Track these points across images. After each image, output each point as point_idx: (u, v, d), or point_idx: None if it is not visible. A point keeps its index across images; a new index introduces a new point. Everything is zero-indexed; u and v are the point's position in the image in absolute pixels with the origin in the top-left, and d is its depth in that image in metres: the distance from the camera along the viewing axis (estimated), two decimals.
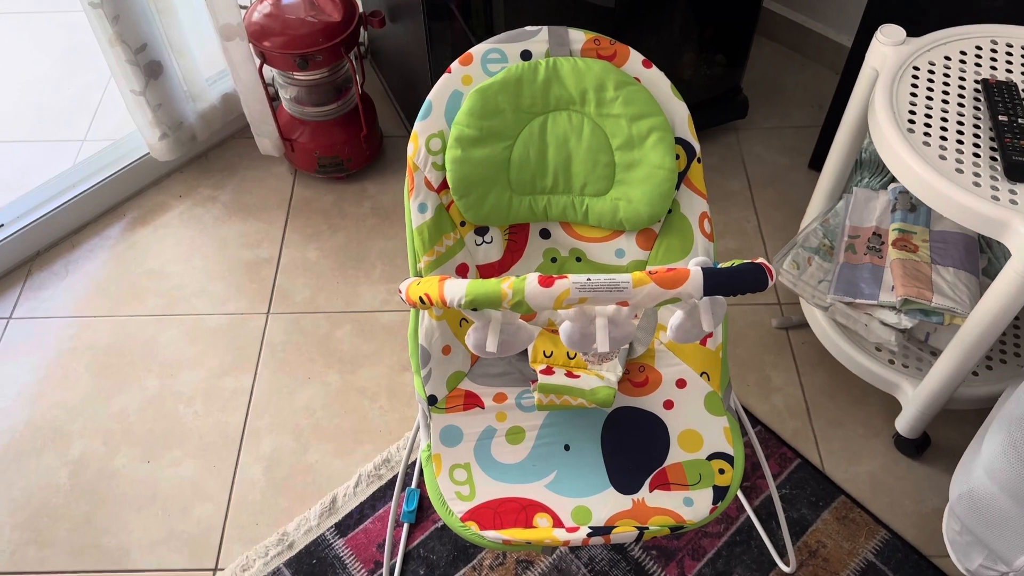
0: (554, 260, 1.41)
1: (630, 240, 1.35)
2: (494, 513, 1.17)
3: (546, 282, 0.95)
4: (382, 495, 1.55)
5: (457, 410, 1.27)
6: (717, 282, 0.97)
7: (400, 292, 1.10)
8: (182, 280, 1.92)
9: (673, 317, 1.03)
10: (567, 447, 1.25)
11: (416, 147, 1.27)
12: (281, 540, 1.50)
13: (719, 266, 1.25)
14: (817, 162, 2.10)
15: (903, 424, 1.54)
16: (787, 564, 1.46)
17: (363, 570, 1.47)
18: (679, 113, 1.28)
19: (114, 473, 1.61)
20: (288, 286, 1.90)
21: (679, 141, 1.28)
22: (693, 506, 1.18)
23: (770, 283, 1.01)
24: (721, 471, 1.21)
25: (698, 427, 1.26)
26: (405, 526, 1.52)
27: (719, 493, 1.19)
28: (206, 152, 2.19)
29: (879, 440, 1.62)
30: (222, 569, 1.48)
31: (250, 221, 2.03)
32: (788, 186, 2.09)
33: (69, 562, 1.49)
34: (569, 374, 1.30)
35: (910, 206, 1.56)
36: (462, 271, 1.33)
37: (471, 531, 1.15)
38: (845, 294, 1.50)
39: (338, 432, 1.66)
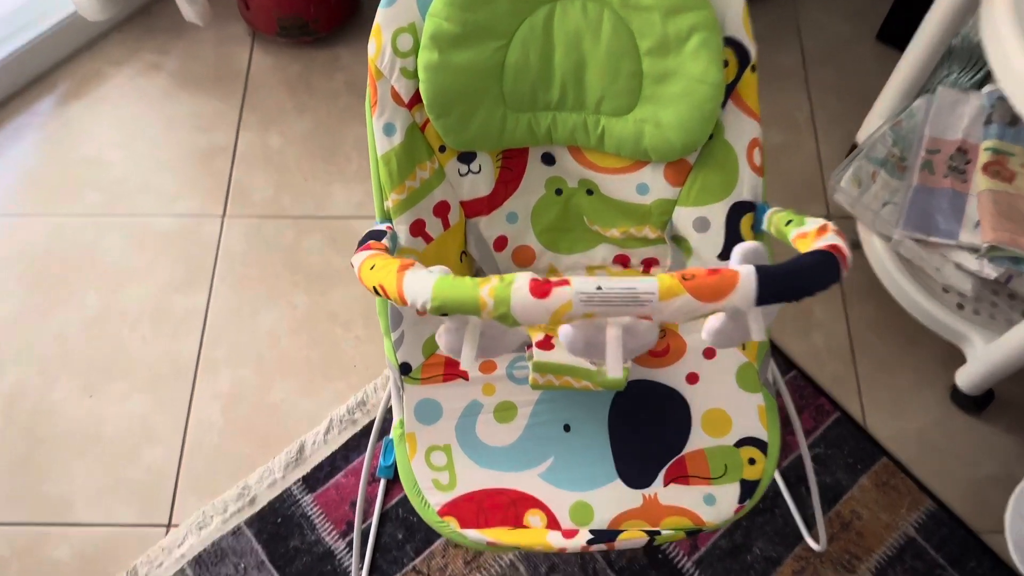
0: (559, 192, 1.12)
1: (656, 173, 1.05)
2: (478, 508, 0.98)
3: (540, 290, 0.69)
4: (356, 444, 1.36)
5: (436, 381, 1.05)
6: (775, 289, 0.72)
7: (353, 267, 0.83)
8: (124, 171, 1.63)
9: (712, 318, 0.77)
10: (567, 427, 1.03)
11: (379, 46, 0.96)
12: (242, 494, 1.33)
13: (766, 211, 0.98)
14: (889, 34, 1.72)
15: (965, 379, 1.31)
16: (816, 540, 1.28)
17: (334, 531, 1.30)
18: (733, 4, 0.95)
19: (52, 408, 1.41)
20: (247, 182, 1.62)
21: (728, 42, 0.97)
22: (715, 505, 0.98)
23: (844, 274, 0.75)
24: (751, 461, 1.00)
25: (727, 406, 1.04)
26: (382, 482, 1.33)
27: (747, 489, 0.99)
28: (147, 6, 1.82)
29: (932, 391, 1.39)
30: (176, 525, 1.32)
31: (201, 96, 1.71)
32: (850, 64, 1.72)
33: (5, 512, 1.33)
34: None
35: (1010, 118, 1.23)
36: (441, 210, 1.05)
37: (449, 528, 0.96)
38: (917, 229, 1.22)
39: (306, 366, 1.44)
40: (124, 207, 1.59)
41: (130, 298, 1.50)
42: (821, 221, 0.88)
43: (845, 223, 1.56)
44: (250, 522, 1.31)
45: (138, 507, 1.33)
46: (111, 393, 1.42)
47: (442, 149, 1.03)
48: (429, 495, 0.98)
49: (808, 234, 0.85)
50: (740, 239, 1.03)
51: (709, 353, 1.08)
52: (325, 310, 1.49)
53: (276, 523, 1.31)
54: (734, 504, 0.98)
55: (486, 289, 0.70)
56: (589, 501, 0.98)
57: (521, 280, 0.70)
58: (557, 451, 1.01)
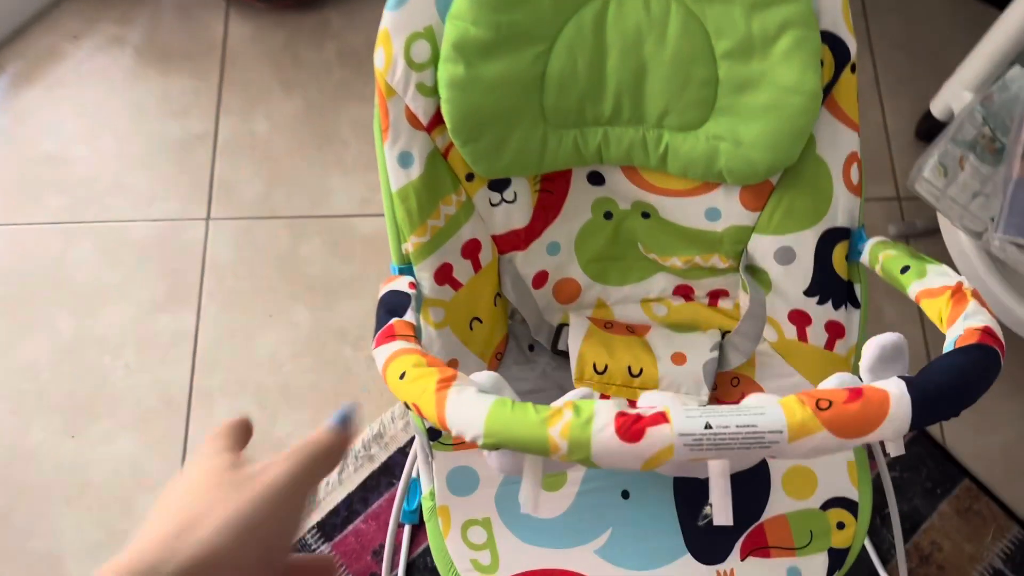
0: (608, 215, 0.94)
1: (730, 196, 0.87)
2: None
3: (630, 431, 0.53)
4: (375, 485, 1.21)
5: (471, 446, 0.89)
6: (934, 413, 0.56)
7: (377, 363, 0.67)
8: (90, 169, 1.43)
9: (825, 384, 0.61)
10: (625, 494, 0.89)
11: (388, 57, 0.77)
12: None
13: (865, 241, 0.80)
14: None
15: None
16: None
17: None
18: None
19: (32, 452, 1.25)
20: (231, 177, 1.42)
21: (824, 37, 0.77)
22: None
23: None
24: (840, 525, 0.87)
25: (811, 463, 0.89)
26: (407, 528, 1.19)
27: (836, 558, 0.86)
28: None
29: (1019, 399, 1.24)
30: None
31: (173, 75, 1.49)
32: (923, 13, 1.50)
33: None
34: (632, 406, 0.89)
35: None
36: (471, 250, 0.87)
37: None
38: (1021, 233, 1.05)
39: (314, 393, 1.28)
40: (93, 212, 1.39)
41: (108, 320, 1.33)
42: (947, 273, 0.71)
43: (915, 206, 1.38)
44: None
45: None
46: (96, 433, 1.26)
47: (469, 177, 0.85)
48: None
49: (936, 295, 0.69)
50: (831, 272, 0.86)
51: None
52: (331, 327, 1.31)
53: None
54: None
55: (558, 428, 0.53)
56: None
57: (603, 417, 0.53)
58: (615, 522, 0.86)
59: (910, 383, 0.55)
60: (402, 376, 0.60)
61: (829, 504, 0.87)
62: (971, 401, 0.58)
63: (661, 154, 0.84)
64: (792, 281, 0.87)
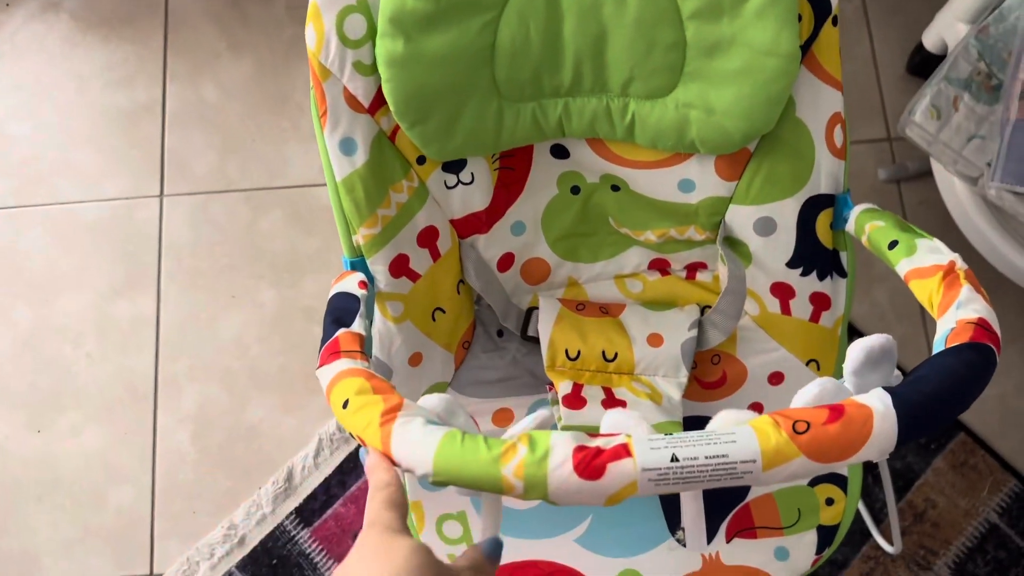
0: (575, 190, 0.88)
1: (705, 166, 0.81)
2: None
3: (589, 467, 0.49)
4: (352, 467, 1.17)
5: None
6: (922, 427, 0.51)
7: (321, 385, 0.62)
8: (34, 148, 1.35)
9: (805, 393, 0.54)
10: None
11: (319, 35, 0.70)
12: (228, 535, 1.16)
13: (851, 208, 0.75)
14: None
15: None
16: (890, 542, 1.12)
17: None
18: None
19: None
20: (183, 149, 1.34)
21: None
22: (788, 559, 0.82)
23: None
24: (829, 501, 0.84)
25: None
26: None
27: (825, 536, 0.83)
28: None
29: (1016, 350, 1.20)
30: (159, 575, 1.16)
31: (113, 42, 1.39)
32: None
33: None
34: (608, 394, 0.85)
35: None
36: (428, 238, 0.81)
37: None
38: (1019, 181, 0.98)
39: (284, 377, 1.23)
40: (41, 194, 1.32)
41: (66, 309, 1.27)
42: (939, 250, 0.66)
43: (906, 147, 1.31)
44: (242, 565, 1.14)
45: (113, 557, 1.17)
46: (62, 426, 1.22)
47: (421, 160, 0.78)
48: None
49: (927, 275, 0.64)
50: (815, 241, 0.80)
51: (776, 378, 0.88)
52: (297, 306, 1.26)
53: (271, 565, 1.14)
54: (810, 556, 0.82)
55: (512, 467, 0.49)
56: (638, 568, 0.81)
57: (560, 452, 0.49)
58: (595, 510, 0.83)
59: (896, 396, 0.50)
60: (345, 405, 0.55)
61: (818, 481, 0.83)
62: (964, 408, 0.53)
63: (628, 125, 0.77)
64: (773, 253, 0.81)
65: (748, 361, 0.87)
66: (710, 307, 0.88)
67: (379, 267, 0.77)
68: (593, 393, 0.83)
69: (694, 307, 0.89)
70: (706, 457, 0.48)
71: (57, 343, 1.25)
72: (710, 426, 0.52)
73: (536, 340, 0.88)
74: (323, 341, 0.65)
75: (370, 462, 0.52)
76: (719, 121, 0.73)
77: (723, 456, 0.48)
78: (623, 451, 0.48)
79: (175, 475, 1.19)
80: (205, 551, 1.15)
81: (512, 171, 0.84)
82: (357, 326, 0.66)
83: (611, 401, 0.82)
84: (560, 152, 0.83)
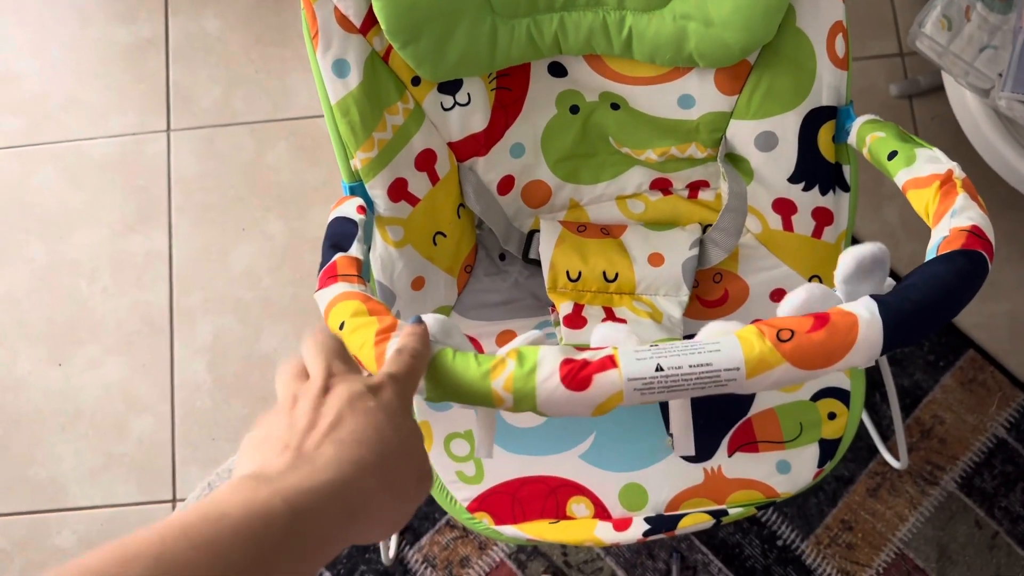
0: (575, 109, 0.87)
1: (704, 80, 0.80)
2: (512, 500, 0.84)
3: (576, 378, 0.49)
4: None
5: None
6: (909, 334, 0.50)
7: (319, 308, 0.63)
8: (41, 85, 1.35)
9: (793, 297, 0.54)
10: None
11: None
12: None
13: (853, 120, 0.73)
14: None
15: None
16: (896, 457, 1.13)
17: None
18: None
19: (20, 383, 1.25)
20: (188, 83, 1.33)
21: None
22: (790, 472, 0.84)
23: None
24: (831, 415, 0.85)
25: None
26: None
27: (827, 449, 0.84)
28: None
29: None
30: (183, 500, 1.20)
31: None
32: None
33: None
34: (609, 314, 0.85)
35: None
36: (425, 161, 0.81)
37: (483, 525, 0.82)
38: None
39: (295, 306, 1.25)
40: (50, 131, 1.33)
41: (80, 244, 1.29)
42: (938, 159, 0.65)
43: (918, 62, 1.28)
44: None
45: (137, 484, 1.21)
46: (82, 359, 1.25)
47: (416, 81, 0.77)
48: (455, 490, 0.83)
49: (924, 185, 0.63)
50: (817, 155, 0.79)
51: (776, 295, 0.88)
52: (306, 236, 1.27)
53: None
54: (812, 469, 0.83)
55: (501, 381, 0.50)
56: (641, 482, 0.83)
57: (548, 365, 0.49)
58: (599, 426, 0.85)
59: (883, 303, 0.50)
60: (341, 327, 0.56)
61: (820, 395, 0.84)
62: (953, 315, 0.53)
63: (625, 39, 0.75)
64: (775, 168, 0.81)
65: (750, 279, 0.87)
66: (712, 226, 0.88)
67: (378, 191, 0.78)
68: (594, 313, 0.84)
69: (696, 226, 0.88)
70: (690, 366, 0.49)
71: (72, 278, 1.28)
72: (697, 337, 0.52)
73: (538, 263, 0.88)
74: (321, 265, 0.66)
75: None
76: (718, 32, 0.72)
77: (707, 364, 0.49)
78: (609, 362, 0.49)
79: (193, 403, 1.23)
80: (226, 475, 1.19)
81: (509, 91, 0.83)
82: (355, 250, 0.67)
83: (612, 320, 0.83)
84: (558, 70, 0.82)
